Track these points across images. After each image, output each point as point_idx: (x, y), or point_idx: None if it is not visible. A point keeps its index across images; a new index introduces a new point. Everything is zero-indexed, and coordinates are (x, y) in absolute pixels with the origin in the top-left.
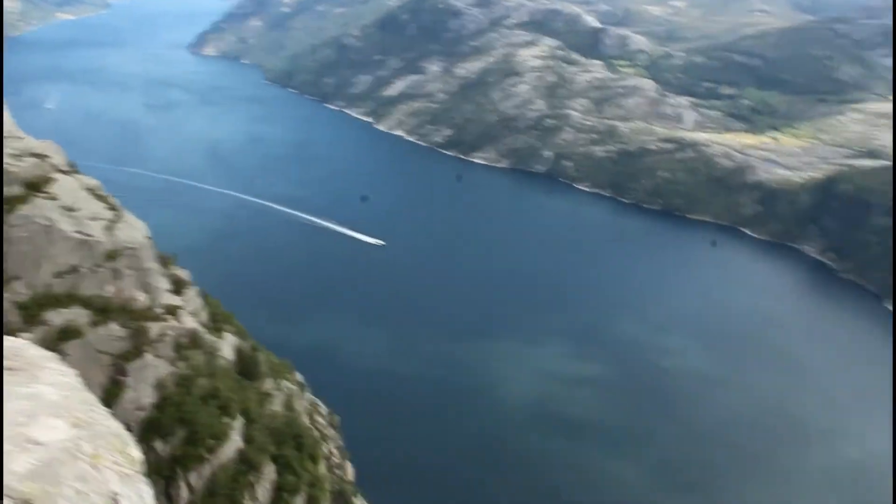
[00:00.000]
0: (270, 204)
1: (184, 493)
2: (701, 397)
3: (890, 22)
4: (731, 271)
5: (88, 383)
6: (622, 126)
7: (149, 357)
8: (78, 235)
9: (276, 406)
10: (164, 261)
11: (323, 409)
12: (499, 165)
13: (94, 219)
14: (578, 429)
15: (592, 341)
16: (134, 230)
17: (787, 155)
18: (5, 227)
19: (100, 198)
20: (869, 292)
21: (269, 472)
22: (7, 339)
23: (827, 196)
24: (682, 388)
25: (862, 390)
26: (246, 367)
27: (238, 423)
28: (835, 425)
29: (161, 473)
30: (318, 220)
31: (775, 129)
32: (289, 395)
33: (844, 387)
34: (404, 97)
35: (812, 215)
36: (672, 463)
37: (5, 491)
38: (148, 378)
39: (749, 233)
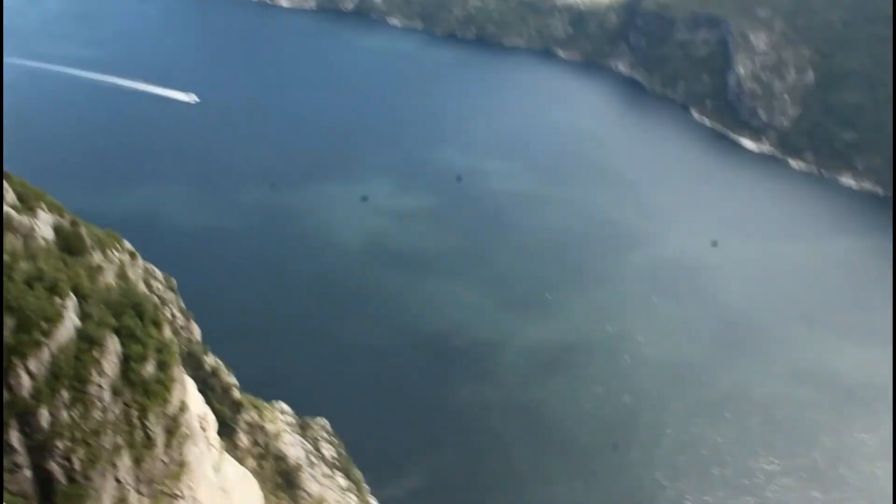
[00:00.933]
0: (61, 68)
1: (25, 381)
2: (530, 216)
3: None
4: (547, 94)
5: None
6: None
7: None
8: None
9: (109, 278)
10: None
11: (158, 273)
12: (306, 7)
13: None
14: (414, 259)
15: (419, 174)
16: None
17: None
18: None
19: None
20: (676, 103)
21: (113, 344)
22: None
23: (633, 15)
24: (511, 209)
25: (680, 197)
26: (69, 244)
27: (71, 302)
28: (656, 230)
29: None
30: (122, 81)
31: None
32: (120, 265)
33: (663, 195)
34: None
35: (621, 34)
36: (505, 277)
37: None
38: None
39: (562, 55)
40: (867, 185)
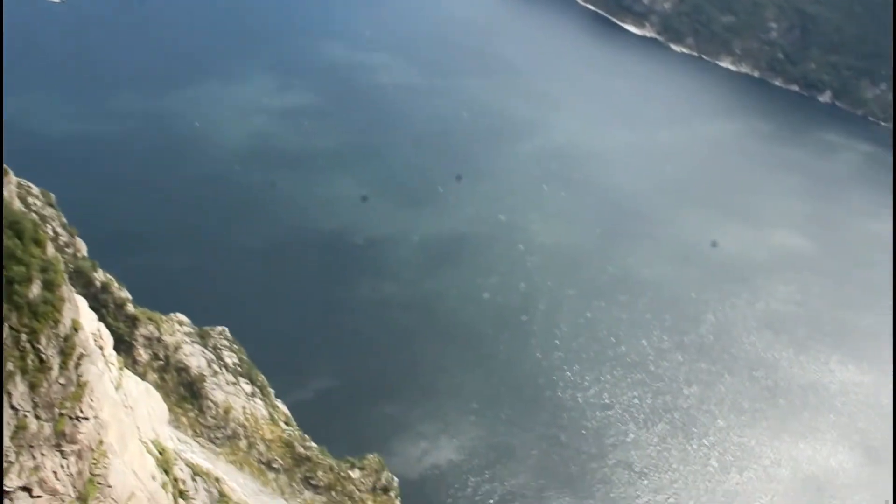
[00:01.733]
0: None
1: None
2: (419, 109)
3: None
4: None
5: None
6: None
7: None
8: None
9: None
10: None
11: (34, 189)
12: None
13: None
14: (303, 158)
15: (300, 71)
16: None
17: None
18: None
19: None
20: None
21: None
22: None
23: None
24: (399, 103)
25: (567, 85)
26: None
27: None
28: (544, 119)
29: None
30: None
31: None
32: None
33: (550, 83)
34: None
35: None
36: (397, 172)
37: None
38: None
39: None
40: (744, 69)
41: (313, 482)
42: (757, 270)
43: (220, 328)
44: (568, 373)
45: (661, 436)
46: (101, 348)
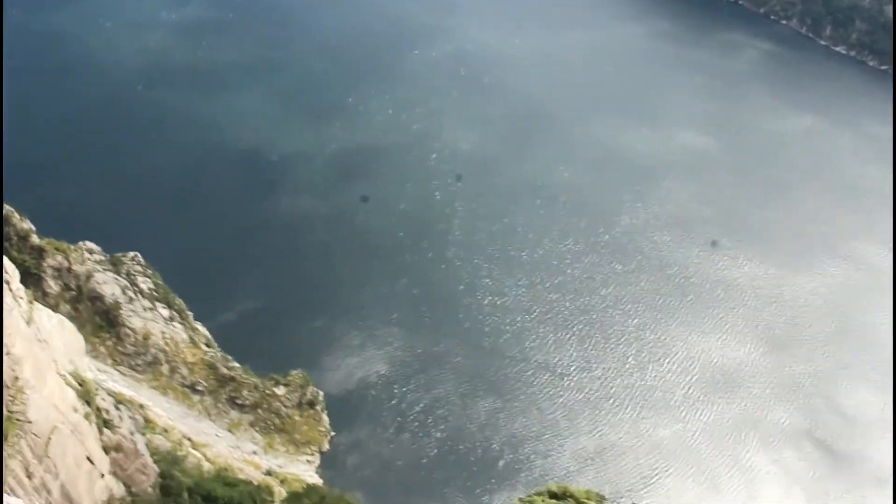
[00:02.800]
0: None
1: None
2: (323, 19)
3: None
4: None
5: None
6: None
7: None
8: None
9: None
10: None
11: None
12: None
13: None
14: (206, 75)
15: None
16: None
17: None
18: None
19: None
20: None
21: None
22: None
23: None
24: (302, 13)
25: None
26: None
27: None
28: (452, 24)
29: None
30: None
31: None
32: None
33: None
34: None
35: None
36: (305, 85)
37: None
38: None
39: None
40: None
41: (238, 402)
42: (667, 171)
43: (132, 254)
44: (487, 279)
45: (581, 336)
46: (6, 283)
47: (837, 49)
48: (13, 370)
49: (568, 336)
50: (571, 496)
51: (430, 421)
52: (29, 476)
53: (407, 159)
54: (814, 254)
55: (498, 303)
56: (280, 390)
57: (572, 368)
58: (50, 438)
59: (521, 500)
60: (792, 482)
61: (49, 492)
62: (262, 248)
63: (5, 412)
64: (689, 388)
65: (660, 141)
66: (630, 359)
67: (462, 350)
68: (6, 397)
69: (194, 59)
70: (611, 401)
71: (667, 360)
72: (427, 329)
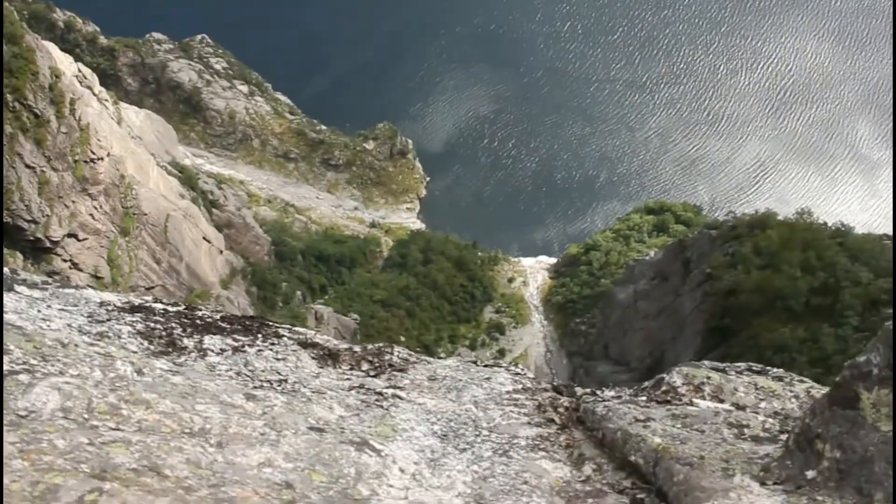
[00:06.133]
0: None
1: None
2: None
3: None
4: None
5: None
6: None
7: None
8: None
9: None
10: None
11: None
12: None
13: None
14: None
15: None
16: None
17: None
18: None
19: None
20: None
21: None
22: None
23: None
24: None
25: None
26: None
27: None
28: None
29: None
30: None
31: None
32: None
33: None
34: None
35: None
36: None
37: None
38: None
39: None
40: None
41: (332, 162)
42: None
43: (199, 36)
44: (564, 4)
45: (668, 51)
46: (89, 88)
47: None
48: (117, 169)
49: (654, 52)
50: (669, 210)
51: (523, 154)
52: (157, 262)
53: None
54: None
55: (578, 27)
56: (370, 145)
57: (661, 84)
58: (166, 226)
59: (619, 218)
60: None
61: (178, 273)
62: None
63: (120, 209)
64: (786, 93)
65: None
66: (721, 68)
67: (549, 80)
68: (118, 195)
69: None
70: (704, 113)
71: (759, 66)
72: (509, 65)
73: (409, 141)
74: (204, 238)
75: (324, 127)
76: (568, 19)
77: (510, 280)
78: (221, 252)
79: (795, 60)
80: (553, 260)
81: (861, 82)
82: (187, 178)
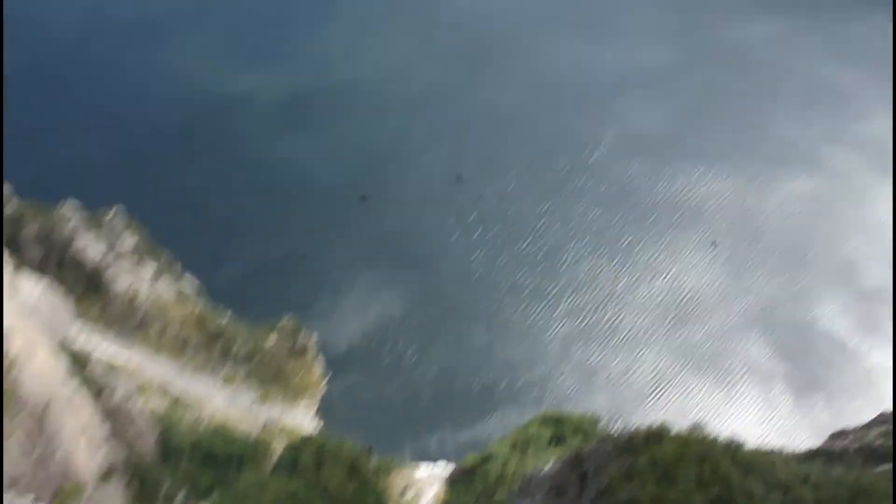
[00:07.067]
0: None
1: None
2: None
3: None
4: None
5: None
6: None
7: None
8: None
9: None
10: None
11: None
12: None
13: None
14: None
15: None
16: None
17: None
18: None
19: None
20: None
21: None
22: None
23: None
24: None
25: None
26: None
27: None
28: None
29: None
30: None
31: None
32: None
33: None
34: None
35: None
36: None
37: None
38: None
39: None
40: None
41: (231, 355)
42: (630, 90)
43: (114, 209)
44: (473, 211)
45: (574, 261)
46: None
47: None
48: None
49: (558, 263)
50: (567, 421)
51: (425, 358)
52: (29, 450)
53: (372, 100)
54: (783, 162)
55: (487, 235)
56: (271, 339)
57: (564, 294)
58: (45, 411)
59: (517, 428)
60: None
61: (50, 464)
62: (248, 197)
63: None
64: (683, 306)
65: (622, 58)
66: (621, 280)
67: (453, 285)
68: None
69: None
70: (605, 324)
71: (658, 279)
72: (416, 267)
73: (313, 337)
74: (85, 428)
75: (227, 316)
76: (478, 226)
77: (403, 491)
78: (101, 444)
79: (691, 275)
80: (449, 469)
81: (752, 298)
82: (77, 361)
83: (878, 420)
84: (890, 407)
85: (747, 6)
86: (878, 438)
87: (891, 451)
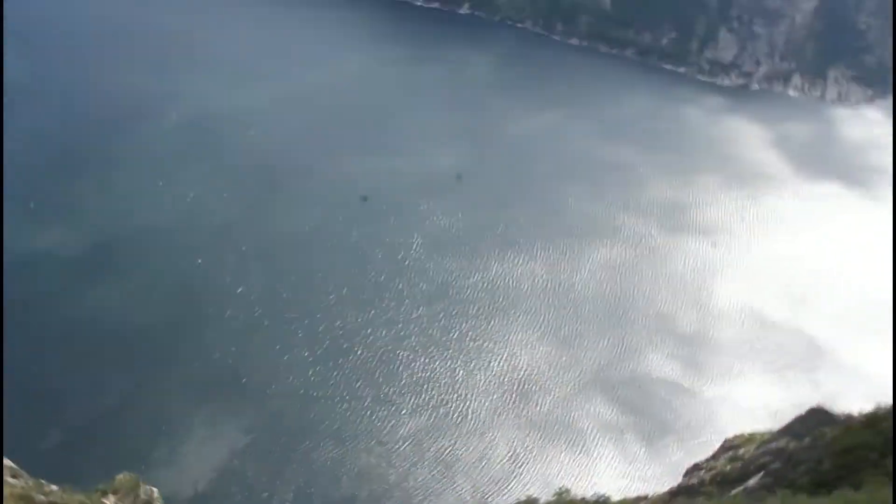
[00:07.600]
0: None
1: None
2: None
3: None
4: None
5: None
6: None
7: None
8: None
9: None
10: None
11: None
12: None
13: None
14: None
15: None
16: None
17: None
18: None
19: None
20: None
21: None
22: None
23: None
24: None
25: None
26: None
27: None
28: (177, 89)
29: None
30: None
31: None
32: None
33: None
34: None
35: None
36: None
37: None
38: None
39: None
40: None
41: None
42: (421, 195)
43: None
44: (298, 333)
45: (405, 362)
46: None
47: (571, 42)
48: None
49: (393, 367)
50: None
51: (278, 485)
52: None
53: (154, 251)
54: (587, 233)
55: (318, 352)
56: (109, 500)
57: (405, 395)
58: None
59: None
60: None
61: None
62: (64, 357)
63: None
64: (523, 383)
65: (414, 168)
66: (458, 370)
67: (293, 406)
68: None
69: None
70: (452, 416)
71: (493, 364)
72: (252, 395)
73: (155, 490)
74: None
75: (54, 487)
76: (306, 345)
77: None
78: None
79: (524, 353)
80: None
81: (585, 363)
82: None
83: (724, 447)
84: (732, 433)
85: (525, 104)
86: (727, 465)
87: (740, 473)
